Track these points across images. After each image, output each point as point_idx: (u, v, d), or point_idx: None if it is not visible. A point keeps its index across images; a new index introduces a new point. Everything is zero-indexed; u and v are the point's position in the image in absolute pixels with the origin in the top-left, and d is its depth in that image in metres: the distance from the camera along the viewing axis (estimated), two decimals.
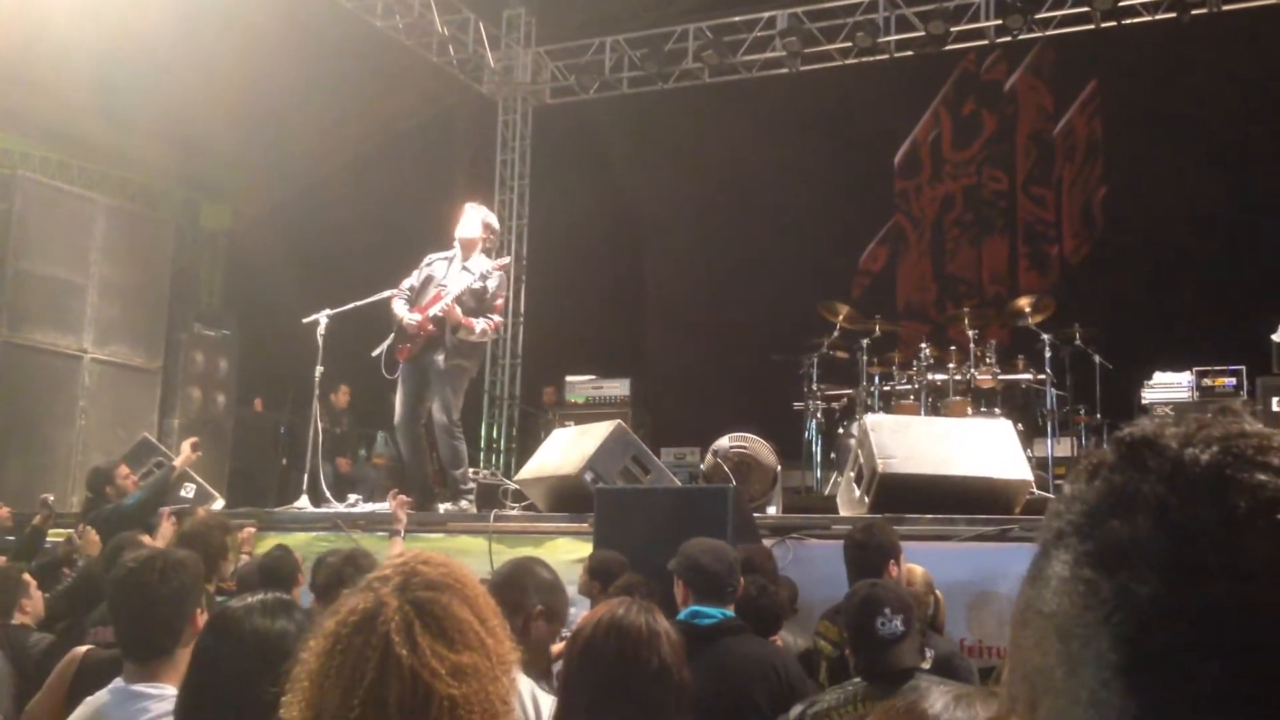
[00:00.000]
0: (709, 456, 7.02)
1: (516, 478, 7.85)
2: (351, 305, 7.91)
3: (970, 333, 9.51)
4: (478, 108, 13.86)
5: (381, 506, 7.57)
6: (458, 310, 7.41)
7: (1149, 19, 10.82)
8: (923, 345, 9.71)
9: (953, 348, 9.69)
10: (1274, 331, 8.57)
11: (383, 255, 9.87)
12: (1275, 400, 8.19)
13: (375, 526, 7.01)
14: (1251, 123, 10.77)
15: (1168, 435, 0.60)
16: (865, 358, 9.91)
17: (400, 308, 7.61)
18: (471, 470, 8.09)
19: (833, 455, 9.91)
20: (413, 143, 14.31)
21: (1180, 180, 10.75)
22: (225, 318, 12.13)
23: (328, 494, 8.16)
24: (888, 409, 9.55)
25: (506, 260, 8.17)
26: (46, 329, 9.88)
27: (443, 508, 7.48)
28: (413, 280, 7.75)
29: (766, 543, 5.63)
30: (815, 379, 10.27)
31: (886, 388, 9.80)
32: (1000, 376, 9.38)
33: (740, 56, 12.19)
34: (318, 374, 7.94)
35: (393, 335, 7.63)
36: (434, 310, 7.45)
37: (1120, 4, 10.67)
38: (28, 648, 4.46)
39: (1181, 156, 10.84)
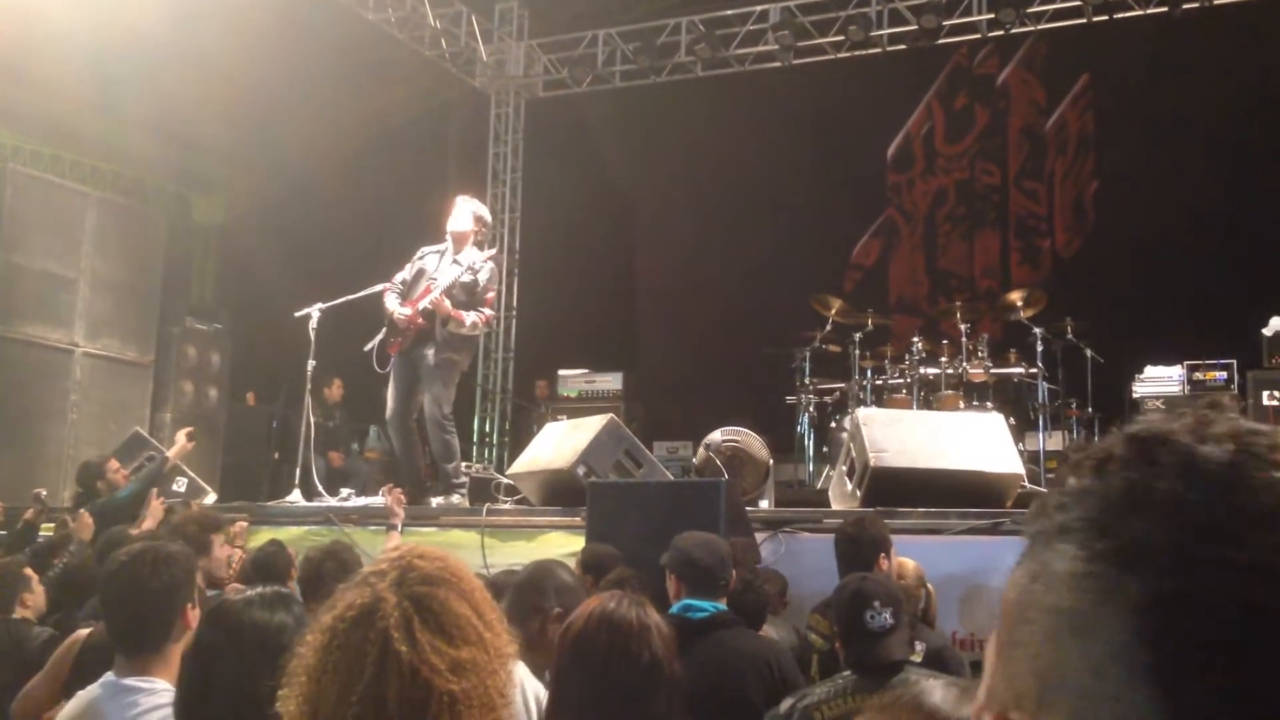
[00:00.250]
0: (701, 450, 7.03)
1: (509, 472, 7.84)
2: (344, 299, 7.90)
3: (962, 326, 9.53)
4: (470, 101, 13.84)
5: (374, 500, 7.57)
6: (447, 303, 7.40)
7: (1140, 13, 10.83)
8: (915, 339, 9.73)
9: (945, 341, 9.71)
10: (1264, 326, 8.59)
11: (375, 249, 9.87)
12: (1266, 394, 8.22)
13: (368, 520, 7.01)
14: (1243, 116, 10.80)
15: (1180, 432, 0.60)
16: (857, 351, 9.93)
17: (391, 301, 7.61)
18: (464, 464, 8.09)
19: (825, 449, 9.94)
20: (405, 136, 14.29)
21: (1172, 174, 10.78)
22: (217, 312, 12.10)
23: (320, 488, 8.14)
24: (880, 403, 9.57)
25: (493, 251, 8.15)
26: (37, 323, 9.85)
27: (435, 502, 7.48)
28: (405, 274, 7.74)
29: (759, 536, 5.65)
30: (807, 373, 10.29)
31: (878, 381, 9.81)
32: (992, 370, 9.40)
33: (733, 50, 12.18)
34: (310, 368, 7.93)
35: (384, 329, 7.62)
36: (423, 304, 7.45)
37: None
38: (29, 641, 4.45)
39: (1173, 150, 10.87)
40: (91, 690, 2.70)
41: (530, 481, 7.19)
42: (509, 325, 13.16)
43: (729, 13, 12.10)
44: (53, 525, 6.76)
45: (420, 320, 7.47)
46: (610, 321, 13.66)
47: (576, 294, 13.24)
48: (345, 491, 8.38)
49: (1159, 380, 9.36)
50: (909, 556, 4.69)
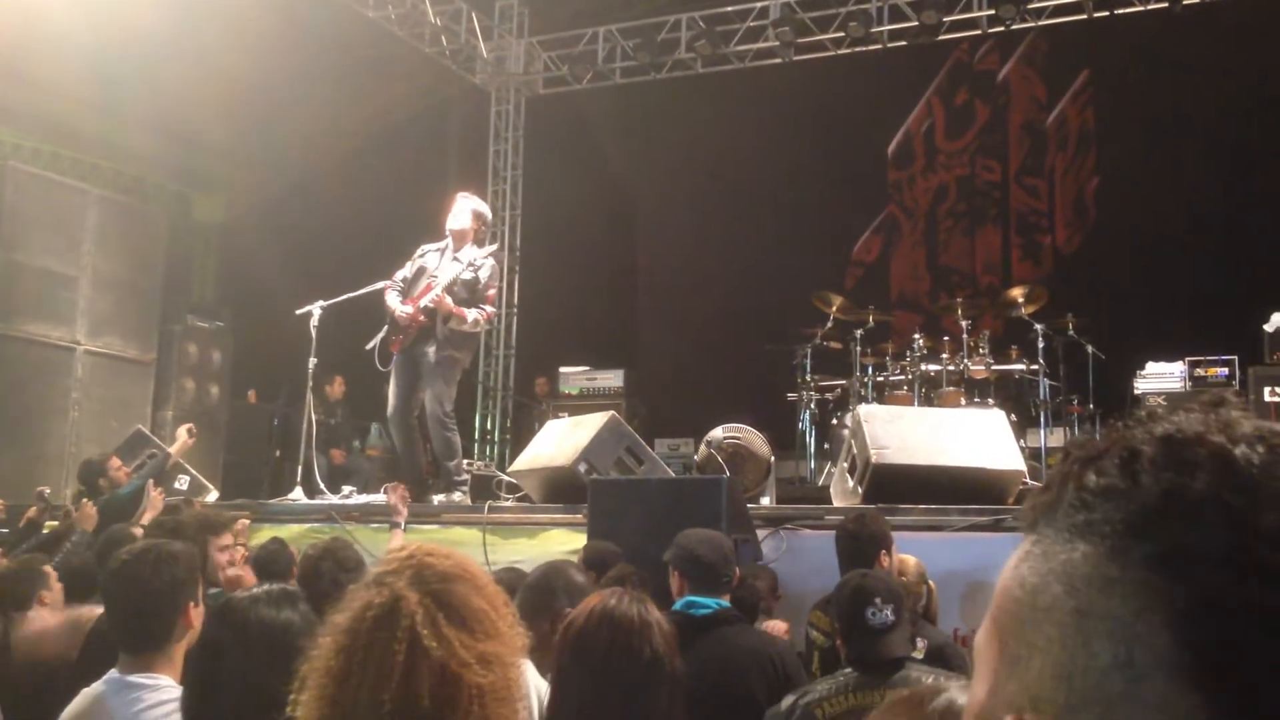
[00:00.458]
0: (702, 447, 7.03)
1: (510, 469, 7.85)
2: (345, 297, 7.90)
3: (963, 323, 9.53)
4: (470, 98, 13.84)
5: (376, 498, 7.57)
6: (448, 300, 7.40)
7: (1141, 9, 10.83)
8: (916, 336, 9.72)
9: (946, 338, 9.70)
10: (1266, 322, 8.59)
11: (376, 246, 9.87)
12: (1267, 390, 8.21)
13: (369, 518, 7.02)
14: (1244, 113, 10.79)
15: (1211, 432, 0.58)
16: (859, 348, 9.92)
17: (393, 299, 7.61)
18: (465, 462, 8.09)
19: (826, 446, 9.93)
20: (405, 134, 14.29)
21: (1173, 170, 10.78)
22: (219, 309, 12.10)
23: (322, 486, 8.15)
24: (881, 399, 9.57)
25: (494, 248, 8.15)
26: (39, 321, 9.85)
27: (436, 499, 7.48)
28: (405, 272, 7.74)
29: (760, 533, 5.66)
30: (809, 369, 10.29)
31: (880, 378, 9.81)
32: (993, 367, 9.40)
33: (733, 47, 12.18)
34: (311, 366, 7.93)
35: (386, 327, 7.62)
36: (424, 301, 7.45)
37: None
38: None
39: (1174, 146, 10.87)
40: (96, 687, 2.71)
41: (532, 479, 7.20)
42: (510, 322, 13.16)
43: (729, 9, 12.09)
44: (55, 523, 6.76)
45: (422, 318, 7.47)
46: (611, 318, 13.67)
47: (577, 291, 13.24)
48: (347, 489, 8.39)
49: (1160, 376, 9.35)
50: (910, 553, 4.69)
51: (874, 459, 6.00)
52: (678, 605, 3.68)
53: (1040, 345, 9.45)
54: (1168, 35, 10.82)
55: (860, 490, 6.14)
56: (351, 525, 6.88)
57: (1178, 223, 10.81)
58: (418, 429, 7.81)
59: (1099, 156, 12.62)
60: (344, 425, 11.83)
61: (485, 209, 8.10)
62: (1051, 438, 9.36)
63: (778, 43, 11.84)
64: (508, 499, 7.63)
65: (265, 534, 6.18)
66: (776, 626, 4.48)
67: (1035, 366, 9.44)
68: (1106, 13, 10.92)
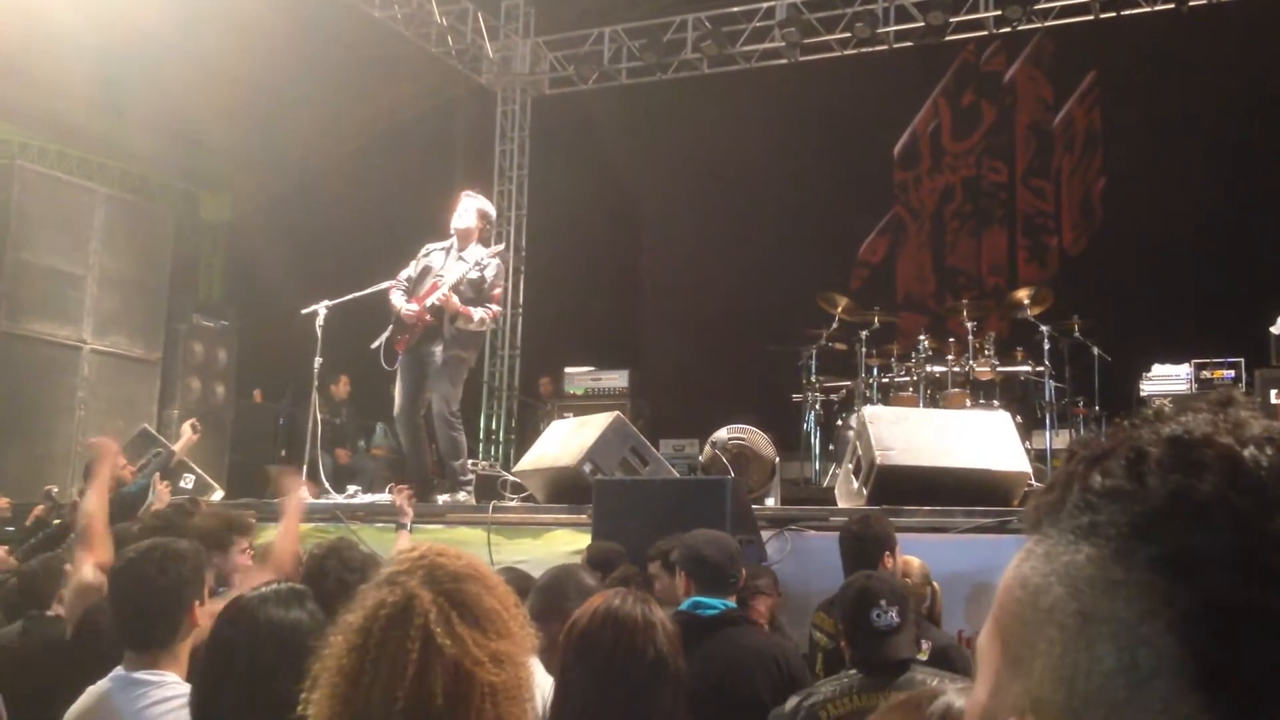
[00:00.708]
0: (707, 448, 7.02)
1: (515, 469, 7.85)
2: (350, 296, 7.91)
3: (969, 324, 9.51)
4: (476, 98, 13.85)
5: (381, 497, 7.57)
6: (455, 299, 7.41)
7: (1148, 10, 10.82)
8: (921, 337, 9.71)
9: (951, 339, 9.70)
10: (1272, 324, 8.57)
11: (381, 246, 9.87)
12: (1274, 392, 8.19)
13: (374, 517, 7.02)
14: (1251, 114, 10.76)
15: (1220, 433, 0.57)
16: (864, 349, 9.91)
17: (398, 299, 7.61)
18: (470, 461, 8.10)
19: (831, 447, 9.92)
20: (411, 133, 14.30)
21: (1179, 171, 10.75)
22: (224, 309, 12.13)
23: (327, 485, 8.16)
24: (886, 401, 9.55)
25: (500, 247, 8.16)
26: (46, 319, 9.88)
27: (441, 499, 7.48)
28: (410, 271, 7.75)
29: (764, 534, 5.65)
30: (814, 370, 10.28)
31: (885, 379, 9.80)
32: (999, 368, 9.38)
33: (739, 47, 12.18)
34: (317, 365, 7.94)
35: (391, 326, 7.63)
36: (431, 300, 7.45)
37: None
38: (62, 640, 4.45)
39: (1181, 147, 10.85)
40: (102, 685, 2.72)
41: (536, 479, 7.20)
42: (515, 323, 13.17)
43: (735, 10, 12.09)
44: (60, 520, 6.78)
45: (428, 317, 7.47)
46: (616, 319, 13.67)
47: (583, 291, 13.25)
48: (352, 488, 8.39)
49: (1166, 378, 9.34)
50: (915, 555, 4.69)
51: (879, 460, 5.99)
52: (684, 605, 3.67)
53: (1046, 347, 9.43)
54: (1175, 36, 10.80)
55: (865, 491, 6.13)
56: (356, 524, 6.88)
57: (1184, 224, 10.79)
58: (424, 429, 7.82)
59: (1106, 157, 12.60)
60: (349, 425, 11.84)
61: (490, 208, 8.11)
62: (1057, 440, 9.34)
63: (784, 43, 11.84)
64: (512, 499, 7.63)
65: (271, 533, 6.18)
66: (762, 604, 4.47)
67: (1041, 368, 9.42)
68: (1113, 13, 10.91)
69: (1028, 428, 8.96)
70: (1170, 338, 9.82)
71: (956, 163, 13.47)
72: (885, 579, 3.53)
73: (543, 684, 2.78)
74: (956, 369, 9.38)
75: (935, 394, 9.43)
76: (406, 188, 12.67)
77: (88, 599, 3.68)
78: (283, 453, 11.46)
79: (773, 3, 11.88)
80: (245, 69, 11.85)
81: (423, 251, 7.81)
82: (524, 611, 1.74)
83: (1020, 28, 11.31)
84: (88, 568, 3.78)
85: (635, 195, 14.00)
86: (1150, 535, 0.55)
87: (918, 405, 9.27)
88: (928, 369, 9.46)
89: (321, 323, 7.80)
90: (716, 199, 13.20)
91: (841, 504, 6.51)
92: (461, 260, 7.58)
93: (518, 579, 3.55)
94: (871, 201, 13.56)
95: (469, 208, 7.75)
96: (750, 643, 3.71)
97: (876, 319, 10.11)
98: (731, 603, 3.77)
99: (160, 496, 5.99)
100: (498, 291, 7.76)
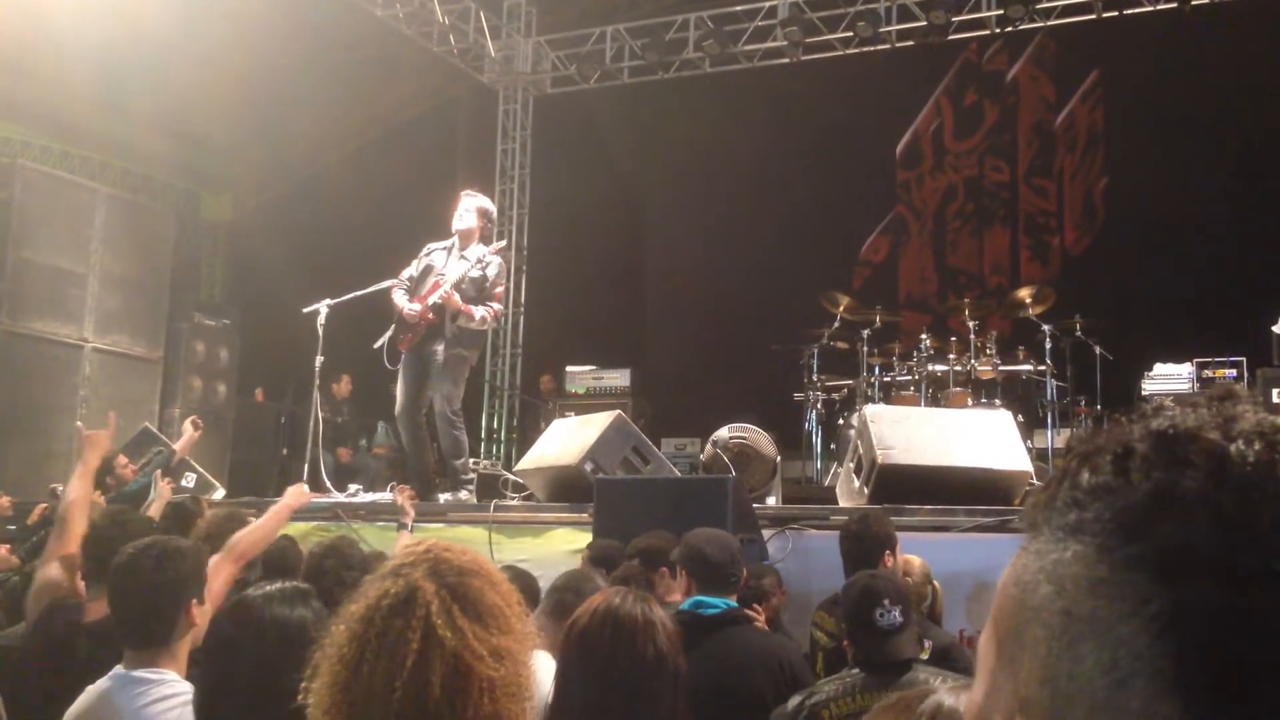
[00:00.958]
0: (709, 447, 7.02)
1: (516, 468, 7.85)
2: (352, 295, 7.90)
3: (971, 324, 9.50)
4: (478, 97, 13.85)
5: (382, 496, 7.58)
6: (456, 297, 7.41)
7: (1150, 9, 10.80)
8: (923, 336, 9.71)
9: (953, 339, 9.69)
10: (1274, 323, 8.56)
11: (383, 245, 9.87)
12: (1276, 392, 8.18)
13: (376, 516, 7.02)
14: (1253, 112, 10.75)
15: (1208, 428, 0.56)
16: (866, 348, 9.91)
17: (400, 298, 7.62)
18: (472, 460, 8.10)
19: (832, 446, 9.92)
20: (413, 132, 14.31)
21: (1182, 171, 10.74)
22: (226, 308, 12.13)
23: (328, 484, 8.16)
24: (888, 400, 9.55)
25: (502, 245, 8.16)
26: (47, 318, 9.88)
27: (443, 498, 7.49)
28: (412, 270, 7.75)
29: (766, 533, 5.65)
30: (815, 369, 10.27)
31: (887, 378, 9.79)
32: (1000, 367, 9.38)
33: (741, 46, 12.17)
34: (318, 364, 7.94)
35: (394, 326, 7.63)
36: (433, 299, 7.45)
37: None
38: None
39: (1183, 147, 10.83)
40: (101, 683, 2.72)
41: (537, 478, 7.19)
42: (517, 321, 13.17)
43: (737, 9, 12.08)
44: None
45: (430, 316, 7.48)
46: (618, 318, 13.66)
47: (584, 290, 13.24)
48: (353, 487, 8.40)
49: (1168, 378, 9.32)
50: (916, 554, 4.68)
51: (880, 459, 5.99)
52: (686, 605, 3.67)
53: (1048, 346, 9.43)
54: (1177, 35, 10.79)
55: (866, 491, 6.13)
56: (358, 523, 6.89)
57: (1187, 224, 10.78)
58: (426, 427, 7.82)
59: (1108, 157, 12.59)
60: (350, 423, 11.85)
61: (490, 206, 8.12)
62: (1058, 439, 9.33)
63: (786, 42, 11.83)
64: (514, 498, 7.63)
65: None
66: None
67: (1043, 367, 9.41)
68: (1116, 13, 10.89)
69: (1029, 427, 8.95)
70: (1172, 337, 9.81)
71: (958, 162, 13.46)
72: (889, 578, 3.53)
73: (544, 682, 2.77)
74: (958, 368, 9.37)
75: (937, 393, 9.43)
76: (408, 186, 12.68)
77: (46, 597, 3.62)
78: (284, 451, 11.46)
79: (774, 2, 11.86)
80: (247, 68, 11.86)
81: (424, 251, 7.81)
82: (527, 610, 1.74)
83: (1022, 27, 11.30)
84: (55, 564, 3.71)
85: (637, 194, 14.00)
86: (1132, 533, 0.54)
87: (919, 404, 9.26)
88: (929, 368, 9.46)
89: (323, 321, 7.80)
90: (718, 198, 13.20)
91: (842, 503, 6.50)
92: (463, 259, 7.59)
93: (520, 578, 3.56)
94: (873, 201, 13.55)
95: (469, 207, 7.75)
96: (752, 642, 3.70)
97: (878, 318, 10.11)
98: (733, 602, 3.77)
99: (162, 495, 5.99)
100: (499, 290, 7.76)
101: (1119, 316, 10.16)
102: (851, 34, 11.64)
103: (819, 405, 10.15)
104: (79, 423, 5.23)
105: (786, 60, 12.09)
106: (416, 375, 7.64)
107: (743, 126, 12.76)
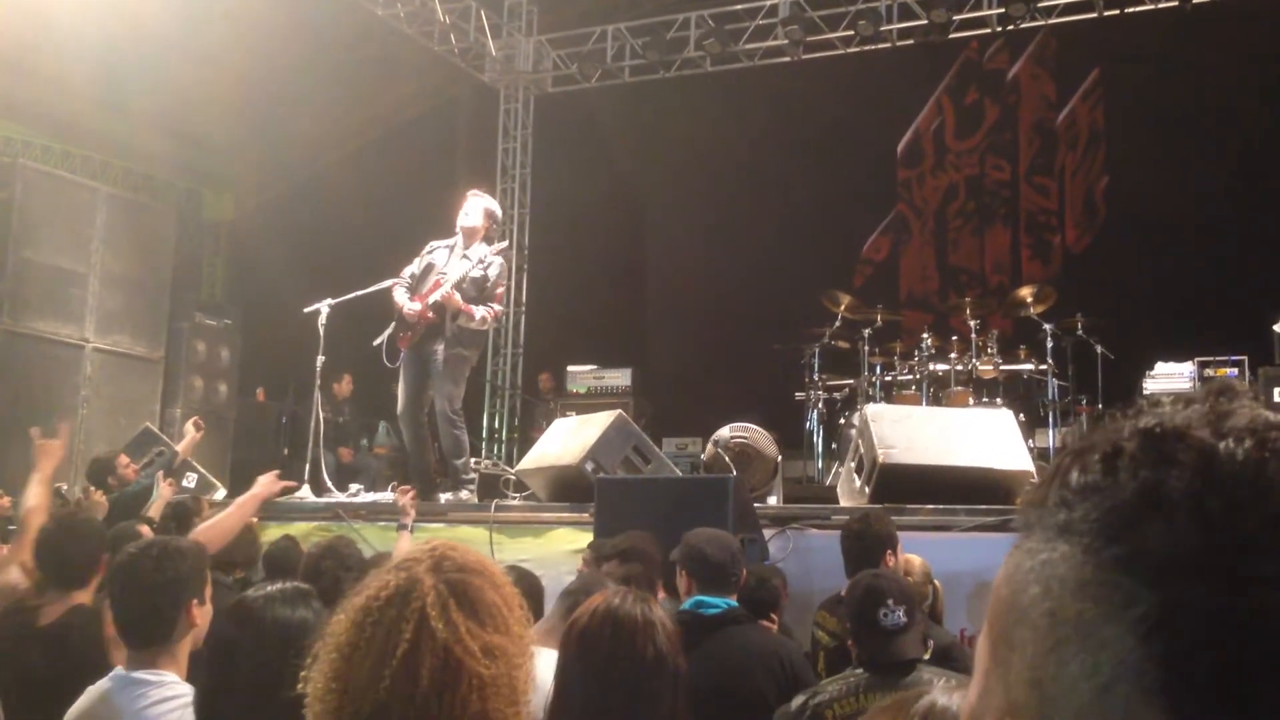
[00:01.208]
0: (710, 446, 7.02)
1: (517, 468, 7.85)
2: (353, 295, 7.90)
3: (972, 323, 9.50)
4: (479, 96, 13.84)
5: (383, 496, 7.58)
6: (457, 296, 7.40)
7: (1152, 7, 10.80)
8: (924, 335, 9.70)
9: (954, 338, 9.68)
10: (1276, 322, 8.55)
11: (384, 244, 9.86)
12: (1277, 391, 8.17)
13: (376, 516, 7.02)
14: (1254, 111, 10.75)
15: (1197, 426, 0.55)
16: (867, 348, 9.90)
17: (401, 296, 7.61)
18: (473, 460, 8.10)
19: (834, 445, 9.91)
20: (414, 131, 14.30)
21: (1183, 169, 10.74)
22: (227, 307, 12.14)
23: (329, 483, 8.16)
24: (889, 399, 9.54)
25: (503, 245, 8.16)
26: (48, 318, 9.88)
27: (444, 497, 7.48)
28: (414, 268, 7.75)
29: (767, 533, 5.65)
30: (816, 369, 10.26)
31: (888, 378, 9.78)
32: (1002, 366, 9.37)
33: (742, 45, 12.16)
34: (319, 363, 7.94)
35: (394, 324, 7.62)
36: (433, 298, 7.45)
37: None
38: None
39: (1184, 145, 10.83)
40: (102, 684, 2.71)
41: (538, 477, 7.19)
42: (518, 321, 13.16)
43: (738, 8, 12.08)
44: None
45: (430, 315, 7.47)
46: (619, 317, 13.66)
47: (585, 290, 13.24)
48: (354, 487, 8.40)
49: (1170, 376, 9.31)
50: (917, 553, 4.68)
51: (881, 458, 5.98)
52: (686, 605, 3.67)
53: (1049, 345, 9.42)
54: (1178, 34, 10.78)
55: (867, 490, 6.12)
56: (359, 523, 6.89)
57: (1188, 222, 10.78)
58: (427, 427, 7.82)
59: (1109, 155, 12.58)
60: (352, 423, 11.85)
61: (496, 208, 8.12)
62: (1060, 438, 9.33)
63: (787, 41, 11.83)
64: (515, 498, 7.62)
65: (273, 532, 6.19)
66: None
67: (1044, 366, 9.41)
68: (1117, 11, 10.88)
69: (1030, 426, 8.94)
70: (1173, 335, 9.80)
71: (959, 161, 13.46)
72: (893, 578, 3.52)
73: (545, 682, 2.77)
74: (959, 367, 9.37)
75: (938, 392, 9.42)
76: (409, 185, 12.67)
77: (3, 600, 3.61)
78: (285, 451, 11.47)
79: (775, 0, 11.86)
80: (248, 67, 11.85)
81: (426, 249, 7.81)
82: (529, 614, 1.74)
83: (1023, 25, 11.29)
84: (14, 568, 3.70)
85: (638, 193, 14.00)
86: (1118, 534, 0.53)
87: (920, 403, 9.26)
88: (930, 367, 9.45)
89: (324, 321, 7.80)
90: (719, 197, 13.19)
91: (843, 502, 6.50)
92: (465, 258, 7.58)
93: (523, 578, 3.56)
94: (874, 200, 13.54)
95: (476, 207, 7.74)
96: (753, 642, 3.70)
97: (879, 317, 10.10)
98: (734, 601, 3.76)
99: (163, 496, 5.99)
100: (500, 290, 7.76)
101: (1120, 315, 10.15)
102: (852, 33, 11.63)
103: (820, 404, 10.14)
104: (33, 430, 5.19)
105: (787, 59, 12.09)
106: (418, 375, 7.64)
107: (744, 125, 12.76)
